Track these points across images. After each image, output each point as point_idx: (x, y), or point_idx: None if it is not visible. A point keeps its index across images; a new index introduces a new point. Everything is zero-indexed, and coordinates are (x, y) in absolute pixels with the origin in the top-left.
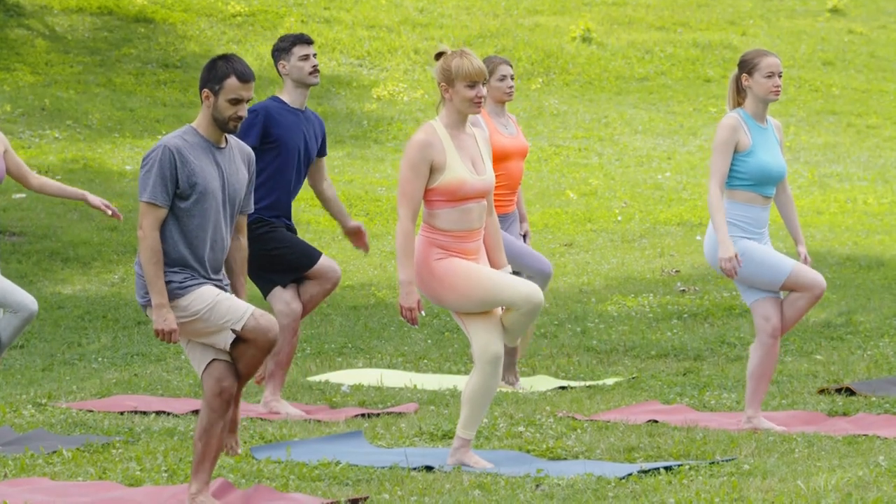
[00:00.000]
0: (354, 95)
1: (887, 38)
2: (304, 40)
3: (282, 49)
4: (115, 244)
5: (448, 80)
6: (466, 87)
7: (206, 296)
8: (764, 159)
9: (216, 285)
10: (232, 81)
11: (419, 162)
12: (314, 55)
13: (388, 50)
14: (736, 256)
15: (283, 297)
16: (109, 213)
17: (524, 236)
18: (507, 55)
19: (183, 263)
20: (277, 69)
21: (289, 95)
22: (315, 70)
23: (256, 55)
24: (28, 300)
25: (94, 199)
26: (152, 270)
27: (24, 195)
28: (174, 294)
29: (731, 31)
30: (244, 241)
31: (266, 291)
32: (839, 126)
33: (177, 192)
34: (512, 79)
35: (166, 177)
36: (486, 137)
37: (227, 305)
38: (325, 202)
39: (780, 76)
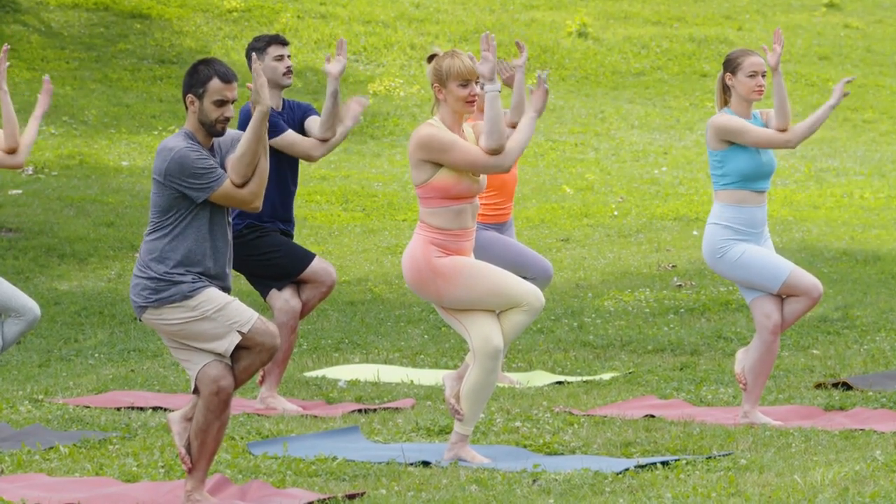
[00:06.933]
0: (350, 91)
1: (883, 33)
2: (280, 41)
3: (256, 48)
4: (111, 240)
5: (441, 80)
6: (459, 87)
7: (216, 297)
8: (749, 153)
9: (221, 288)
10: (215, 83)
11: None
12: (288, 56)
13: (385, 45)
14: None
15: (283, 296)
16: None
17: None
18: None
19: (189, 264)
20: (251, 69)
21: None
22: (288, 71)
23: None
24: (31, 304)
25: None
26: (253, 148)
27: (20, 191)
28: (184, 295)
29: (727, 25)
30: None
31: (264, 294)
32: (835, 121)
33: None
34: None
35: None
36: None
37: (236, 308)
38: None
39: (763, 75)
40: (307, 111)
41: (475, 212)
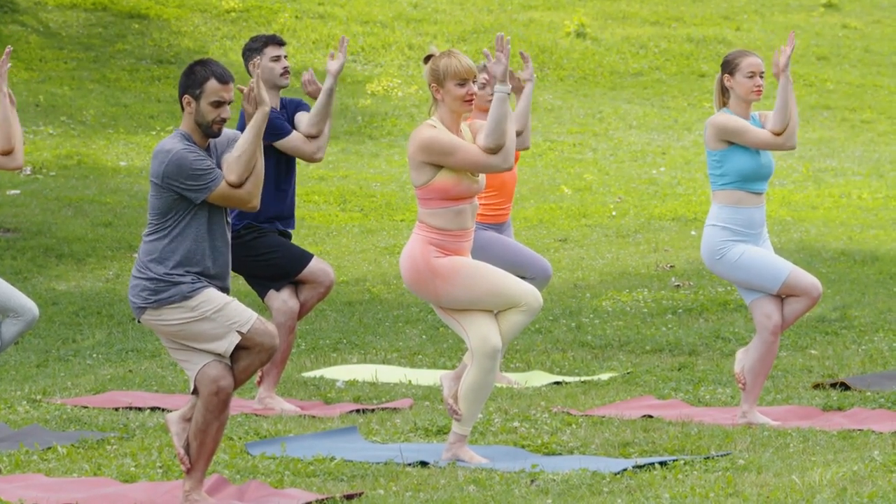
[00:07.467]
0: (349, 91)
1: (881, 33)
2: (276, 41)
3: (253, 49)
4: (109, 240)
5: (438, 80)
6: (457, 86)
7: (215, 298)
8: (748, 153)
9: (220, 288)
10: (212, 84)
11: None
12: (285, 56)
13: (383, 45)
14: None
15: (280, 296)
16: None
17: None
18: None
19: (189, 265)
20: (248, 69)
21: None
22: (286, 71)
23: None
24: (29, 304)
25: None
26: (252, 148)
27: (18, 191)
28: (183, 296)
29: (726, 25)
30: None
31: (262, 295)
32: (833, 121)
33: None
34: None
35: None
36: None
37: (235, 308)
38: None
39: (761, 76)
40: (299, 106)
41: (474, 212)
